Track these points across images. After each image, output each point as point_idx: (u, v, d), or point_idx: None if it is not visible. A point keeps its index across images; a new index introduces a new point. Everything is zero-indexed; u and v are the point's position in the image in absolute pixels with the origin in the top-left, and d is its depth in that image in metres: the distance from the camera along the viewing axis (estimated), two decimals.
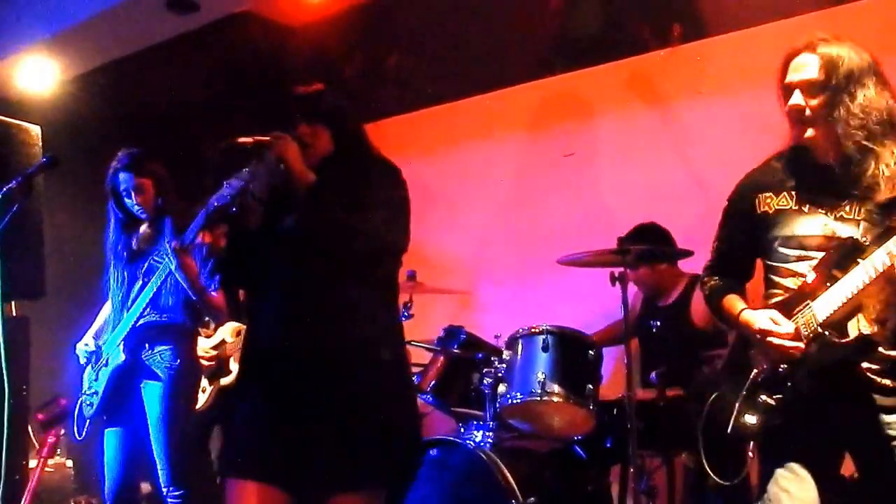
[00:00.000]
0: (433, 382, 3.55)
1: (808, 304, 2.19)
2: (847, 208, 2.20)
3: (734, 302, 2.36)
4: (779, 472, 2.22)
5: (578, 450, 3.51)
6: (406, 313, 3.88)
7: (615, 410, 3.46)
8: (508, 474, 3.13)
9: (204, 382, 3.85)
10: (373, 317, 2.35)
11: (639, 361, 4.04)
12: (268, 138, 2.31)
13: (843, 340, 2.13)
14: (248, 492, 2.25)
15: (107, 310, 3.59)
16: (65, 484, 4.00)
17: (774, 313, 2.23)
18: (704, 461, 2.46)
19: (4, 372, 2.55)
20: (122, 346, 3.41)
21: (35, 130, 3.47)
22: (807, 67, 2.20)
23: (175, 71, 4.26)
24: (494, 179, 4.72)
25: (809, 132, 2.21)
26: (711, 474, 2.42)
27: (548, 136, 4.57)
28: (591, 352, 3.38)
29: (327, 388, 2.26)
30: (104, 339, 3.53)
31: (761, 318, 2.24)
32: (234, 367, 3.49)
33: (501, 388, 3.34)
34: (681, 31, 4.19)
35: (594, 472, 3.49)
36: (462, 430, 3.51)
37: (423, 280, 4.06)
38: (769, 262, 2.34)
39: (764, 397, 2.23)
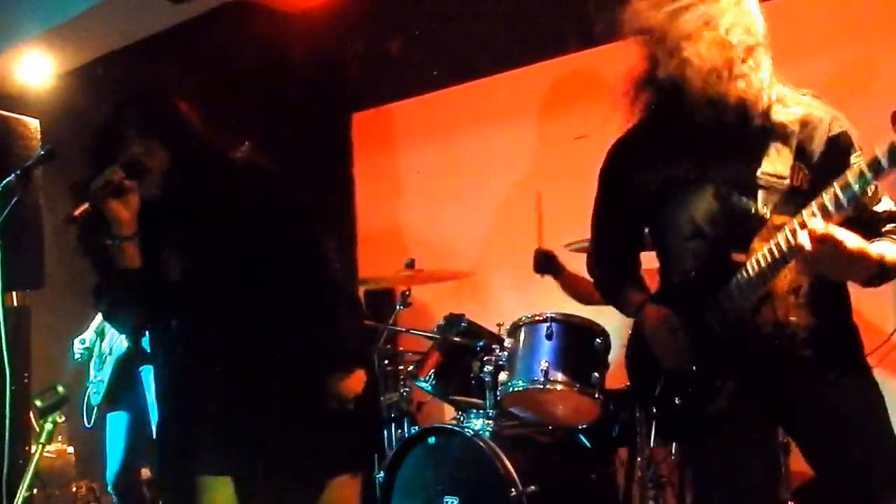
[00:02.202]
0: (432, 371, 3.50)
1: (714, 297, 1.94)
2: (739, 174, 1.92)
3: (632, 291, 2.16)
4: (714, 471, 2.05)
5: (583, 438, 3.44)
6: (404, 302, 3.84)
7: (622, 399, 3.38)
8: (508, 463, 3.07)
9: None
10: (292, 320, 2.27)
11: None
12: (87, 205, 2.16)
13: (760, 333, 1.91)
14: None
15: None
16: (67, 469, 4.06)
17: (674, 320, 1.99)
18: None
19: (6, 360, 2.57)
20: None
21: (33, 124, 3.47)
22: None
23: (173, 61, 4.25)
24: (503, 163, 4.63)
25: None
26: None
27: (559, 118, 4.47)
28: (598, 340, 3.29)
29: (269, 393, 2.25)
30: (108, 328, 3.55)
31: (660, 325, 2.01)
32: None
33: (502, 377, 3.27)
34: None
35: (599, 462, 3.41)
36: (461, 417, 3.46)
37: (423, 267, 4.01)
38: (659, 241, 2.10)
39: (678, 399, 2.02)
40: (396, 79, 4.79)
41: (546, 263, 3.68)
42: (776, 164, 1.90)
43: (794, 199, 1.85)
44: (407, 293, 3.90)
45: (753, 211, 1.90)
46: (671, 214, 2.01)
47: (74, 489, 4.07)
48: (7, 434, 2.79)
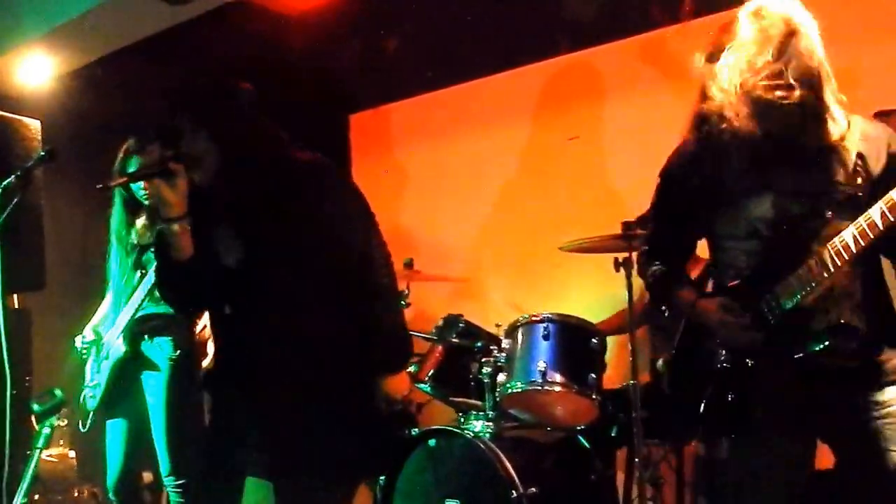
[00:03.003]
0: (431, 371, 3.50)
1: (770, 290, 2.03)
2: (802, 182, 2.05)
3: (686, 291, 2.20)
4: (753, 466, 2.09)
5: (582, 439, 3.45)
6: (402, 302, 3.85)
7: (621, 399, 3.39)
8: (508, 464, 3.08)
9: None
10: (335, 320, 2.30)
11: (647, 349, 3.98)
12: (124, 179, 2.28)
13: (818, 328, 1.98)
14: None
15: (107, 300, 3.60)
16: (68, 473, 4.05)
17: (728, 301, 2.08)
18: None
19: (6, 363, 2.58)
20: (122, 338, 3.42)
21: (34, 125, 3.47)
22: None
23: (172, 62, 4.25)
24: (498, 164, 4.65)
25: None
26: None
27: (553, 119, 4.50)
28: (594, 340, 3.31)
29: (301, 390, 2.26)
30: (105, 330, 3.54)
31: (716, 310, 2.08)
32: (210, 349, 3.51)
33: (501, 378, 3.29)
34: (692, 5, 4.08)
35: (598, 462, 3.42)
36: (461, 419, 3.47)
37: (421, 268, 4.02)
38: (716, 241, 2.18)
39: (732, 395, 2.06)
40: (393, 80, 4.81)
41: None
42: (837, 174, 2.04)
43: (851, 207, 1.98)
44: (405, 293, 3.90)
45: (813, 217, 2.02)
46: (731, 217, 2.12)
47: (76, 494, 4.05)
48: (7, 438, 2.80)
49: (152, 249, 3.35)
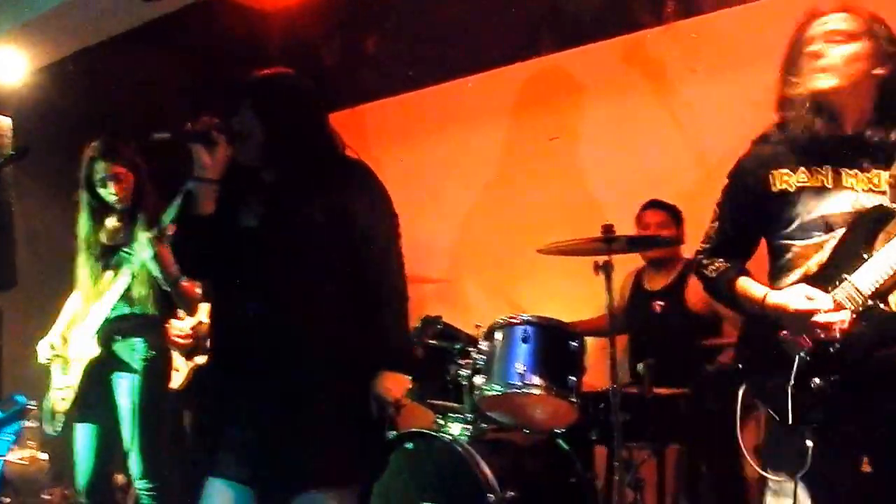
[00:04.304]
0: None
1: (843, 277, 2.07)
2: (874, 179, 2.12)
3: (753, 285, 2.21)
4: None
5: (561, 442, 3.43)
6: None
7: (601, 402, 3.38)
8: (486, 468, 3.06)
9: (180, 361, 3.83)
10: (344, 317, 2.33)
11: (626, 352, 3.97)
12: (168, 135, 2.29)
13: (879, 319, 2.02)
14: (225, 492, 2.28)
15: (72, 303, 3.55)
16: (39, 475, 4.00)
17: (808, 288, 2.09)
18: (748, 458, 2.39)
19: None
20: (93, 339, 3.38)
21: (5, 122, 3.42)
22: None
23: (147, 58, 4.20)
24: (477, 165, 4.63)
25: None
26: (764, 472, 2.27)
27: (534, 119, 4.49)
28: (573, 342, 3.29)
29: (298, 389, 2.27)
30: (75, 332, 3.49)
31: (796, 298, 2.09)
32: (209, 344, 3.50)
33: (479, 380, 3.25)
34: (675, 7, 4.09)
35: (578, 465, 3.40)
36: (440, 422, 3.44)
37: None
38: (784, 241, 2.21)
39: (818, 381, 2.06)
40: (372, 79, 4.78)
41: None
42: None
43: None
44: None
45: (881, 210, 2.09)
46: (802, 214, 2.17)
47: (47, 496, 4.01)
48: None
49: (125, 250, 3.36)
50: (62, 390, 3.45)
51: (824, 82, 2.13)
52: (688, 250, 3.84)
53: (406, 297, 2.46)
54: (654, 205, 3.91)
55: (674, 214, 3.90)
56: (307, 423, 2.25)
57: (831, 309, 2.05)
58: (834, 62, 2.13)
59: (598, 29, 4.23)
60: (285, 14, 4.17)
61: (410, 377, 2.46)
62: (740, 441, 2.32)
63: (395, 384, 2.38)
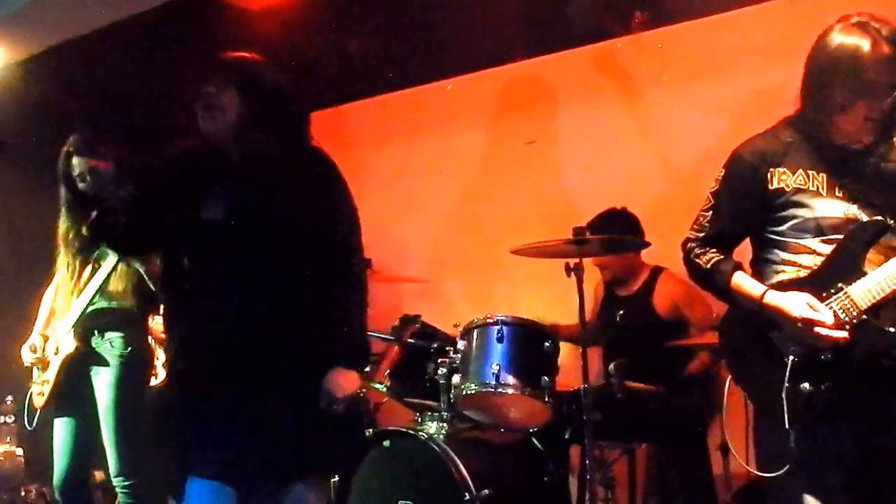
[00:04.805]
0: (387, 372, 3.51)
1: (840, 287, 2.16)
2: (870, 193, 2.20)
3: (749, 281, 2.27)
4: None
5: (535, 441, 3.48)
6: None
7: (574, 402, 3.44)
8: (462, 466, 3.10)
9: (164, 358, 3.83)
10: (311, 309, 2.32)
11: (599, 353, 4.04)
12: None
13: (874, 336, 2.11)
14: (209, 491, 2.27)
15: (49, 298, 3.54)
16: (15, 472, 3.97)
17: (810, 297, 2.16)
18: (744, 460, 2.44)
19: None
20: (72, 334, 3.37)
21: None
22: None
23: (129, 54, 4.18)
24: (455, 166, 4.67)
25: None
26: (754, 471, 2.32)
27: (510, 123, 4.54)
28: (547, 343, 3.33)
29: (269, 383, 2.27)
30: (54, 327, 3.48)
31: (799, 305, 2.15)
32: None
33: (456, 379, 3.29)
34: (644, 17, 4.16)
35: (551, 464, 3.46)
36: (417, 420, 3.48)
37: (379, 268, 4.02)
38: (777, 238, 2.29)
39: (807, 386, 2.15)
40: (353, 79, 4.79)
41: None
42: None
43: None
44: None
45: (879, 224, 2.19)
46: (795, 215, 2.25)
47: (24, 493, 3.99)
48: None
49: (103, 244, 3.34)
50: (40, 385, 3.44)
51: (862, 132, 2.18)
52: (652, 255, 3.90)
53: (366, 290, 2.48)
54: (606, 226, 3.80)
55: (632, 228, 3.88)
56: (283, 417, 2.25)
57: (833, 324, 2.12)
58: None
59: (572, 37, 4.29)
60: (268, 13, 4.17)
61: (361, 373, 2.46)
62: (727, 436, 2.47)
63: (347, 381, 2.37)
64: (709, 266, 2.32)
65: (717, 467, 3.64)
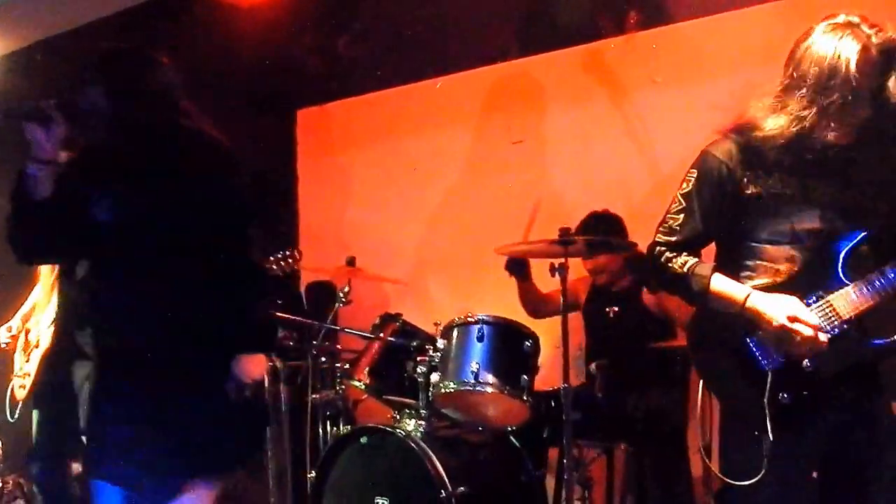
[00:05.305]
0: (367, 369, 3.51)
1: (822, 296, 2.15)
2: (846, 197, 2.17)
3: (731, 285, 2.21)
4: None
5: (513, 440, 3.49)
6: (341, 300, 3.86)
7: (552, 401, 3.44)
8: (439, 464, 3.11)
9: None
10: (207, 299, 2.28)
11: (582, 353, 4.04)
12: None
13: (884, 340, 2.13)
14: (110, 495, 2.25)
15: (37, 292, 3.56)
16: None
17: (797, 302, 2.14)
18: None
19: None
20: (51, 327, 3.38)
21: None
22: None
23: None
24: (441, 165, 4.68)
25: None
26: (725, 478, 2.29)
27: (497, 122, 4.55)
28: (527, 343, 3.34)
29: (172, 380, 2.24)
30: (36, 319, 3.49)
31: (788, 306, 2.12)
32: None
33: (435, 377, 3.30)
34: (637, 18, 4.16)
35: (529, 463, 3.46)
36: (395, 417, 3.49)
37: (363, 266, 4.03)
38: (750, 243, 2.24)
39: (785, 395, 2.13)
40: (341, 77, 4.81)
41: (517, 267, 3.81)
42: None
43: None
44: (346, 291, 3.90)
45: (853, 228, 2.17)
46: (770, 220, 2.21)
47: (1, 484, 3.99)
48: None
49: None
50: (21, 378, 3.46)
51: (841, 137, 2.13)
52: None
53: (263, 275, 2.45)
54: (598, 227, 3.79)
55: (619, 229, 3.87)
56: (180, 415, 2.21)
57: (816, 326, 2.10)
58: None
59: (560, 37, 4.29)
60: (258, 10, 4.19)
61: (269, 356, 2.45)
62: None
63: (254, 365, 2.34)
64: (685, 269, 2.25)
65: (696, 469, 3.64)
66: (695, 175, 2.29)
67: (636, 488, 3.79)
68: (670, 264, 2.27)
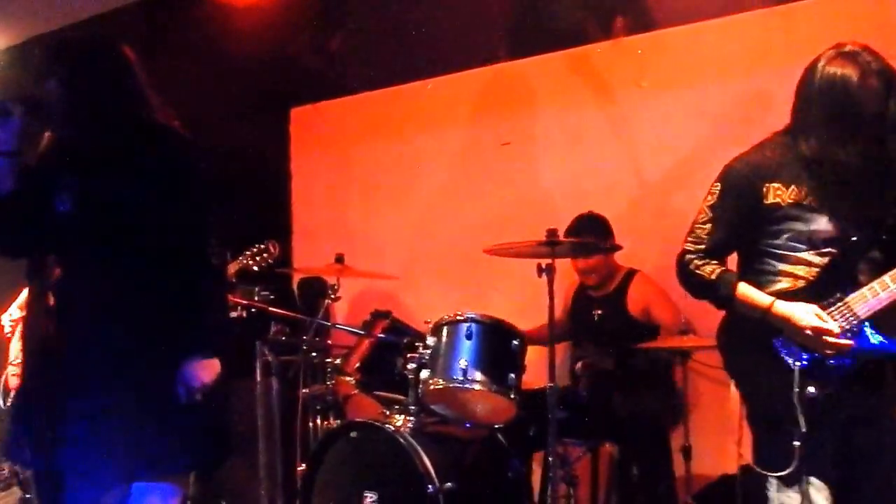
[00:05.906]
0: (358, 365, 3.57)
1: (840, 297, 2.30)
2: (857, 208, 2.32)
3: (755, 291, 2.37)
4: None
5: (500, 437, 3.54)
6: (329, 296, 3.91)
7: (539, 399, 3.50)
8: (427, 460, 3.16)
9: None
10: (161, 297, 2.25)
11: (568, 354, 4.11)
12: None
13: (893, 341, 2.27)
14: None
15: None
16: None
17: (817, 309, 2.30)
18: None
19: None
20: None
21: None
22: None
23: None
24: (432, 165, 4.72)
25: None
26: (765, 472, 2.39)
27: (487, 124, 4.59)
28: (514, 341, 3.40)
29: (119, 377, 2.21)
30: None
31: (808, 315, 2.29)
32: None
33: (424, 374, 3.36)
34: (624, 23, 4.21)
35: (515, 460, 3.52)
36: (385, 413, 3.54)
37: (352, 264, 4.07)
38: (773, 249, 2.40)
39: (812, 390, 2.26)
40: (335, 76, 4.84)
41: None
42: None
43: None
44: (335, 287, 3.95)
45: (865, 236, 2.33)
46: (790, 228, 2.37)
47: None
48: None
49: None
50: (16, 366, 3.48)
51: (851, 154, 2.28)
52: (625, 257, 3.98)
53: (220, 275, 2.41)
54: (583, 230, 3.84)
55: (605, 231, 3.94)
56: (131, 412, 2.19)
57: (838, 333, 2.27)
58: None
59: (551, 40, 4.34)
60: (253, 9, 4.21)
61: (220, 360, 2.33)
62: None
63: (203, 369, 2.28)
64: (713, 277, 2.41)
65: (678, 469, 3.70)
66: (719, 188, 2.46)
67: (620, 487, 3.86)
68: (699, 271, 2.44)
